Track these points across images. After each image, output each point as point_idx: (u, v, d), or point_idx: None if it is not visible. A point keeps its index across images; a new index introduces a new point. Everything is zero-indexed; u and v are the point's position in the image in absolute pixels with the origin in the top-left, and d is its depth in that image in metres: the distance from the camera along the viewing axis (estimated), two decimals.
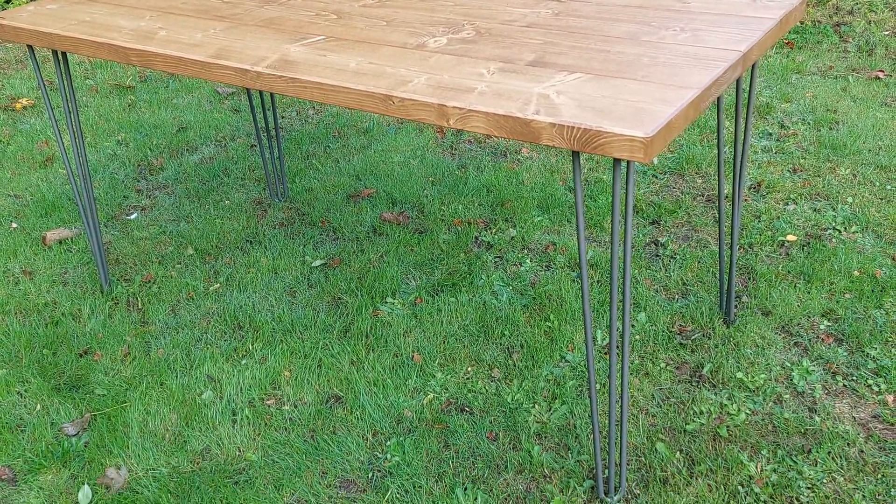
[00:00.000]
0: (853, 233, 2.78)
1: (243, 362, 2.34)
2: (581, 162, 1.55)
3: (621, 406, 1.78)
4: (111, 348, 2.43)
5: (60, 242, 2.99)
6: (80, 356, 2.41)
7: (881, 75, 4.08)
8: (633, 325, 2.39)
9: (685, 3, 1.99)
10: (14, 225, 3.09)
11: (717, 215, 2.62)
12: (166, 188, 3.36)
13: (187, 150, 3.69)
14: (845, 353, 2.23)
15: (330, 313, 2.52)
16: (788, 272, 2.59)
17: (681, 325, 2.38)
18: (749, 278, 2.57)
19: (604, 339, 2.34)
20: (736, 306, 2.44)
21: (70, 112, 2.39)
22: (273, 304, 2.58)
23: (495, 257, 2.76)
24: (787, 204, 2.97)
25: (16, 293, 2.71)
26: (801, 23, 4.93)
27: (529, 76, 1.65)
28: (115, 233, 3.04)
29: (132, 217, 3.14)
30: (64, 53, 2.30)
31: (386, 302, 2.56)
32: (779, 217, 2.88)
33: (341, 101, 1.71)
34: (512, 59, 1.74)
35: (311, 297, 2.61)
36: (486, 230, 2.92)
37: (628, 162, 1.50)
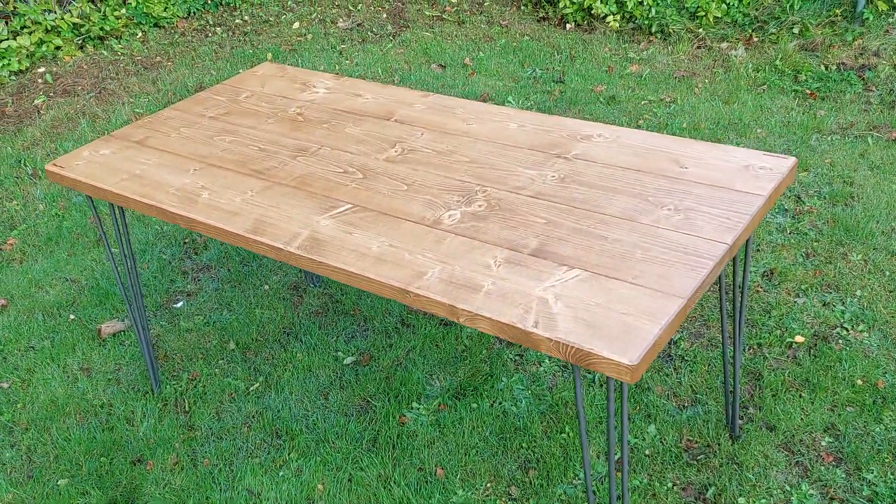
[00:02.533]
0: (860, 332, 2.90)
1: (280, 474, 2.56)
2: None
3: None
4: (161, 456, 2.67)
5: (114, 335, 3.23)
6: (134, 464, 2.65)
7: None
8: (643, 439, 2.56)
9: (681, 170, 2.13)
10: (72, 317, 3.34)
11: (731, 310, 2.76)
12: (210, 270, 3.59)
13: None
14: (843, 476, 2.37)
15: (359, 420, 2.73)
16: (794, 379, 2.72)
17: (688, 440, 2.54)
18: (756, 386, 2.71)
19: (616, 453, 2.51)
20: (741, 418, 2.59)
21: (126, 257, 2.61)
22: (308, 409, 2.80)
23: (516, 355, 2.94)
24: (798, 296, 3.09)
25: (75, 393, 2.96)
26: (825, 66, 4.97)
27: (532, 271, 1.81)
28: (164, 323, 3.28)
29: (179, 305, 3.38)
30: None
31: (411, 408, 2.76)
32: (788, 313, 3.00)
33: (364, 287, 1.90)
34: (517, 246, 1.90)
35: (343, 400, 2.82)
36: None
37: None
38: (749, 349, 2.86)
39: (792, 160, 2.13)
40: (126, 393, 2.94)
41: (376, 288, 1.87)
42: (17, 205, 4.27)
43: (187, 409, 2.85)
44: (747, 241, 2.17)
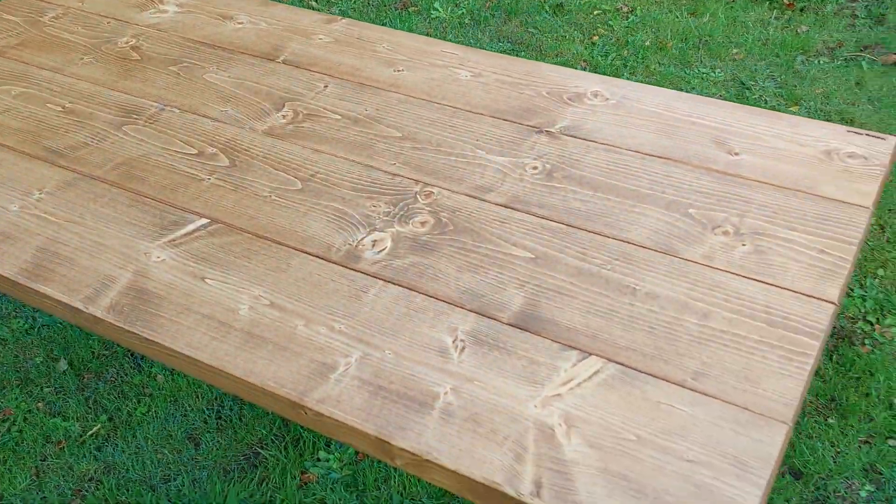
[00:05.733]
0: (888, 326, 2.28)
1: None
2: None
3: None
4: None
5: None
6: None
7: None
8: None
9: (734, 159, 1.36)
10: None
11: None
12: None
13: None
14: None
15: (245, 480, 1.96)
16: (817, 397, 2.10)
17: None
18: None
19: None
20: None
21: None
22: (169, 467, 2.00)
23: None
24: None
25: None
26: None
27: (518, 361, 1.05)
28: None
29: None
30: None
31: (318, 459, 2.01)
32: None
33: (227, 388, 1.10)
34: (490, 307, 1.13)
35: (221, 450, 2.04)
36: None
37: None
38: None
39: (892, 141, 1.40)
40: None
41: (248, 393, 1.07)
42: None
43: None
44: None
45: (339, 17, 1.80)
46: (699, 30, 3.64)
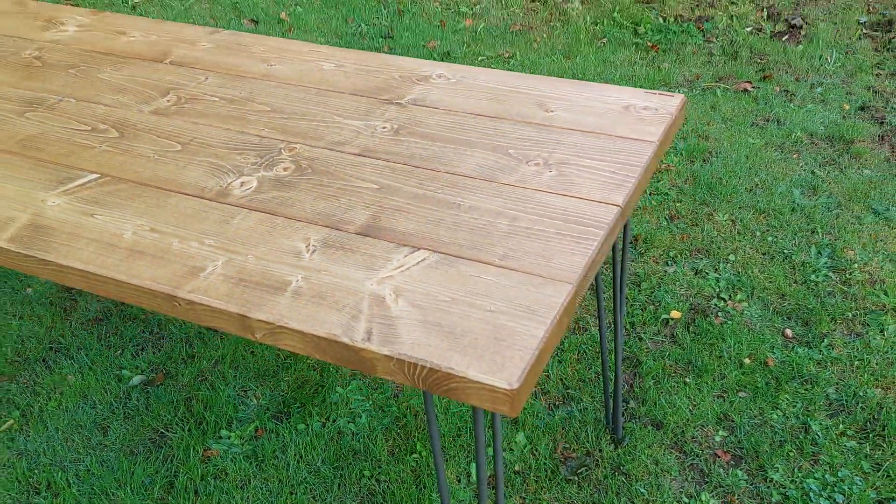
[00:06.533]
0: (739, 301, 2.57)
1: None
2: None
3: None
4: None
5: None
6: None
7: (749, 87, 3.90)
8: (511, 450, 2.09)
9: (548, 113, 1.64)
10: None
11: (598, 300, 2.34)
12: None
13: None
14: (745, 478, 2.00)
15: (151, 459, 2.09)
16: (676, 362, 2.34)
17: (565, 449, 2.09)
18: (635, 374, 2.31)
19: (466, 486, 2.03)
20: (623, 414, 2.17)
21: None
22: (80, 451, 2.12)
23: None
24: (668, 264, 2.73)
25: None
26: (664, 18, 4.72)
27: (361, 256, 1.27)
28: None
29: None
30: None
31: (220, 437, 2.15)
32: (660, 284, 2.63)
33: (112, 294, 1.28)
34: (339, 222, 1.35)
35: (128, 434, 2.16)
36: None
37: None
38: (615, 341, 2.46)
39: (680, 97, 1.69)
40: None
41: (130, 295, 1.26)
42: None
43: None
44: (626, 227, 1.72)
45: (222, 29, 2.04)
46: (572, 69, 4.02)
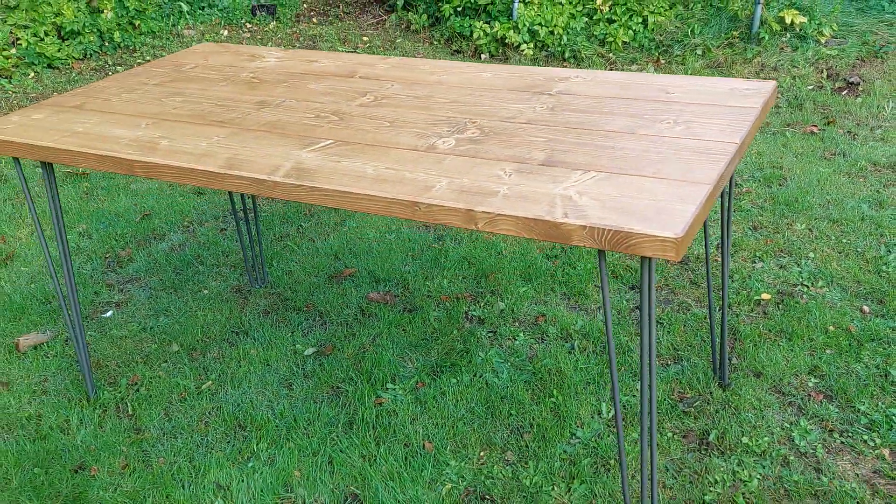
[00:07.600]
0: (820, 287, 2.93)
1: (250, 465, 2.31)
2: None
3: (651, 478, 1.83)
4: (107, 461, 2.36)
5: (35, 348, 2.89)
6: (75, 472, 2.33)
7: (815, 130, 4.33)
8: (633, 395, 2.46)
9: (669, 95, 2.11)
10: None
11: (693, 278, 2.73)
12: (138, 281, 3.30)
13: (154, 238, 3.64)
14: (837, 410, 2.34)
15: (332, 405, 2.51)
16: (769, 330, 2.71)
17: (680, 392, 2.46)
18: (735, 339, 2.68)
19: (609, 411, 2.40)
20: (728, 369, 2.53)
21: (58, 221, 2.35)
22: (272, 399, 2.56)
23: (488, 332, 2.80)
24: (755, 262, 3.12)
25: None
26: None
27: (546, 177, 1.72)
28: (93, 333, 2.97)
29: (108, 315, 3.07)
30: (51, 164, 2.26)
31: (387, 389, 2.57)
32: (749, 276, 3.01)
33: (368, 209, 1.74)
34: (524, 159, 1.81)
35: (310, 389, 2.59)
36: (475, 304, 2.96)
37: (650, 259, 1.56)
38: (719, 310, 2.83)
39: (772, 83, 2.14)
40: (57, 402, 2.61)
41: (383, 207, 1.72)
42: None
43: (131, 412, 2.55)
44: (731, 178, 2.15)
45: (390, 57, 2.57)
46: None
